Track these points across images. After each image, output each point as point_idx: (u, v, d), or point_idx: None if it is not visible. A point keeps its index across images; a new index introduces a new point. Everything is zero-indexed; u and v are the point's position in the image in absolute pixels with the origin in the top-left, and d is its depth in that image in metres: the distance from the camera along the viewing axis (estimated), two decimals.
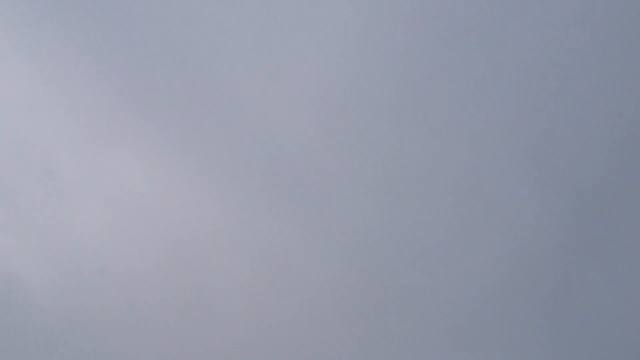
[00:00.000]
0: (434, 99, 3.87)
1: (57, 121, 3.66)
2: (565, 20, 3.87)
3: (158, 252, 3.63)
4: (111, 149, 3.68)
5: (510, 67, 3.93)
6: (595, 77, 3.87)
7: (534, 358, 3.74)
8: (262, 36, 3.80)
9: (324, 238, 3.76)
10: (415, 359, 3.70)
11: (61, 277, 3.68)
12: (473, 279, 3.74)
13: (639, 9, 3.88)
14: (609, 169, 3.85)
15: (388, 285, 3.75)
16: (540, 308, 3.75)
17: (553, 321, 3.75)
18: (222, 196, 3.70)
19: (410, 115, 3.81)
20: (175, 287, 3.62)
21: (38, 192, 3.65)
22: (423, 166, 3.75)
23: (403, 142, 3.80)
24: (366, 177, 3.78)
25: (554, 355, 3.73)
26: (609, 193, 3.85)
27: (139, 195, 3.65)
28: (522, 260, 3.79)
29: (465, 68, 3.88)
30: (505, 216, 3.83)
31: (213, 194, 3.68)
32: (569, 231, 3.78)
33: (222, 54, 3.74)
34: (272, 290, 3.74)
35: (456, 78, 3.91)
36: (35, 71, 3.65)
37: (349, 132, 3.75)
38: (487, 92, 3.88)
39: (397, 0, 3.80)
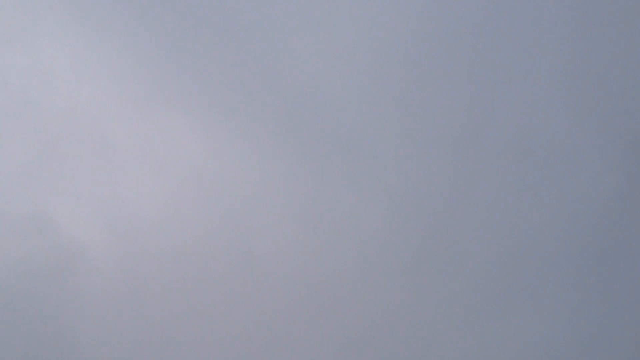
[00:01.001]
0: (486, 50, 3.79)
1: (107, 90, 3.77)
2: None
3: (210, 216, 3.72)
4: (161, 115, 3.77)
5: (565, 17, 3.83)
6: None
7: (599, 308, 3.68)
8: None
9: (371, 196, 3.77)
10: (474, 314, 3.68)
11: (119, 244, 3.81)
12: (531, 231, 3.68)
13: None
14: None
15: (439, 240, 3.73)
16: (600, 259, 3.67)
17: (614, 272, 3.68)
18: (270, 160, 3.75)
19: (460, 67, 3.75)
20: (227, 250, 3.70)
21: (92, 161, 3.78)
22: (475, 118, 3.69)
23: (453, 95, 3.74)
24: (414, 134, 3.75)
25: (619, 304, 3.66)
26: None
27: (190, 161, 3.74)
28: (580, 212, 3.71)
29: (519, 18, 3.79)
30: (562, 167, 3.74)
31: (261, 158, 3.74)
32: (627, 178, 3.68)
33: (265, 18, 3.77)
34: (319, 251, 3.78)
35: (509, 29, 3.82)
36: (85, 41, 3.75)
37: (396, 90, 3.72)
38: (541, 42, 3.79)
39: None
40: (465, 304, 3.74)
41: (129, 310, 3.72)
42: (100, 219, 3.77)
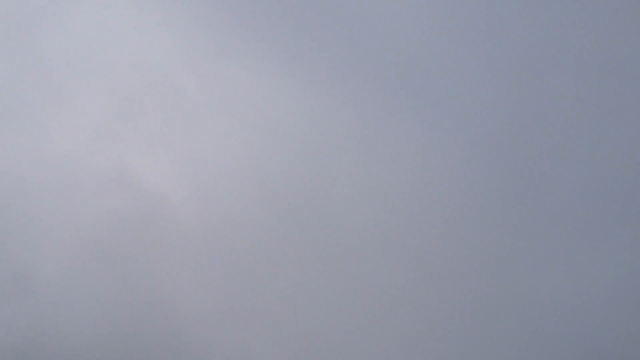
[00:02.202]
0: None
1: (176, 44, 3.80)
2: None
3: (283, 161, 3.73)
4: (230, 65, 3.78)
5: None
6: None
7: None
8: None
9: (447, 134, 3.74)
10: (550, 242, 3.64)
11: (198, 192, 3.85)
12: (610, 164, 3.63)
13: None
14: None
15: (516, 175, 3.69)
16: None
17: None
18: (337, 104, 3.75)
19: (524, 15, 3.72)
20: (302, 193, 3.70)
21: (167, 113, 3.81)
22: (546, 50, 3.66)
23: (520, 36, 3.71)
24: (490, 71, 3.72)
25: None
26: None
27: (260, 109, 3.75)
28: None
29: None
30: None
31: (329, 103, 3.74)
32: None
33: None
34: (394, 189, 3.76)
35: None
36: None
37: (469, 33, 3.69)
38: None
39: None
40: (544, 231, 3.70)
41: (209, 256, 3.75)
42: (178, 169, 3.80)
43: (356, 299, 3.68)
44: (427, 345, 3.64)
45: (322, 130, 3.79)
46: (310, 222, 3.72)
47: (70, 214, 3.89)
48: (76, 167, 3.94)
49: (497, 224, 3.69)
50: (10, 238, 3.95)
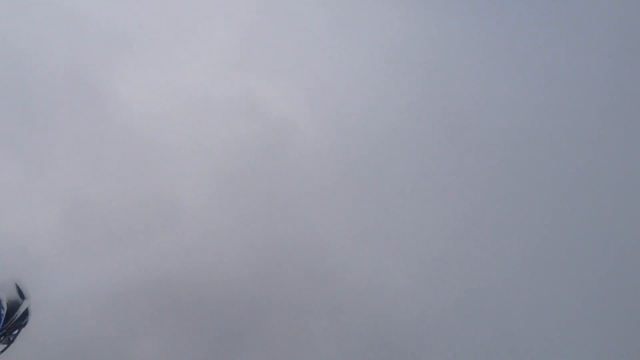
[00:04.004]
0: None
1: None
2: None
3: (413, 85, 4.15)
4: None
5: None
6: None
7: None
8: None
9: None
10: None
11: (325, 118, 4.35)
12: None
13: None
14: None
15: None
16: None
17: None
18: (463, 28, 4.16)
19: None
20: (433, 115, 4.14)
21: (290, 40, 4.24)
22: None
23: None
24: None
25: None
26: None
27: (386, 36, 4.11)
28: None
29: None
30: None
31: (458, 30, 4.15)
32: None
33: None
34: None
35: None
36: None
37: None
38: None
39: None
40: None
41: (338, 182, 4.18)
42: (304, 96, 4.25)
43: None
44: None
45: (447, 53, 4.20)
46: (441, 147, 4.10)
47: (203, 145, 4.28)
48: (206, 99, 4.35)
49: None
50: (154, 173, 4.32)
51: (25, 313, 3.32)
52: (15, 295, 3.25)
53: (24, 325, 3.33)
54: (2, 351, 3.29)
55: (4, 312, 3.13)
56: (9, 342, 3.28)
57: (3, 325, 3.20)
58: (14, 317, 3.31)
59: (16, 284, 3.25)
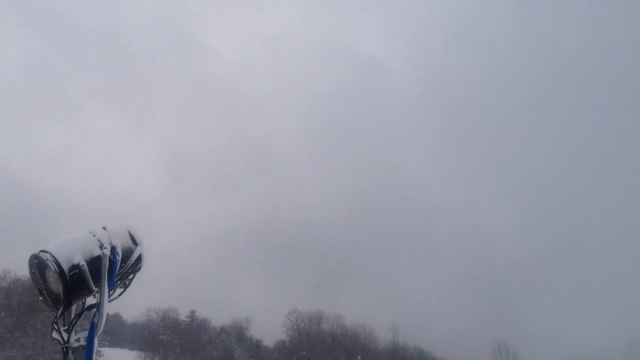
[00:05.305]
0: None
1: None
2: None
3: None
4: None
5: None
6: None
7: None
8: None
9: None
10: None
11: (412, 55, 4.12)
12: None
13: None
14: None
15: None
16: None
17: None
18: None
19: None
20: None
21: None
22: None
23: None
24: None
25: None
26: None
27: None
28: None
29: None
30: None
31: None
32: None
33: None
34: None
35: None
36: None
37: None
38: None
39: None
40: None
41: (427, 119, 3.99)
42: (391, 34, 4.09)
43: None
44: None
45: None
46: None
47: (292, 91, 4.29)
48: (293, 44, 4.32)
49: None
50: (247, 122, 4.45)
51: (139, 259, 3.73)
52: (128, 242, 3.63)
53: (138, 270, 3.73)
54: (120, 294, 3.72)
55: (119, 259, 3.52)
56: (125, 287, 3.71)
57: (119, 271, 3.61)
58: (128, 262, 3.71)
59: (129, 231, 3.63)
